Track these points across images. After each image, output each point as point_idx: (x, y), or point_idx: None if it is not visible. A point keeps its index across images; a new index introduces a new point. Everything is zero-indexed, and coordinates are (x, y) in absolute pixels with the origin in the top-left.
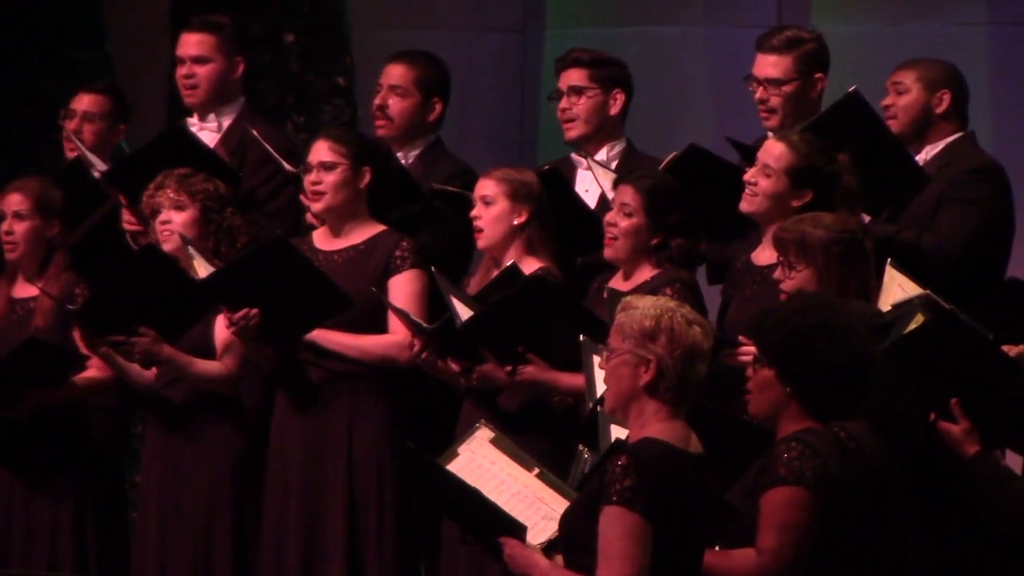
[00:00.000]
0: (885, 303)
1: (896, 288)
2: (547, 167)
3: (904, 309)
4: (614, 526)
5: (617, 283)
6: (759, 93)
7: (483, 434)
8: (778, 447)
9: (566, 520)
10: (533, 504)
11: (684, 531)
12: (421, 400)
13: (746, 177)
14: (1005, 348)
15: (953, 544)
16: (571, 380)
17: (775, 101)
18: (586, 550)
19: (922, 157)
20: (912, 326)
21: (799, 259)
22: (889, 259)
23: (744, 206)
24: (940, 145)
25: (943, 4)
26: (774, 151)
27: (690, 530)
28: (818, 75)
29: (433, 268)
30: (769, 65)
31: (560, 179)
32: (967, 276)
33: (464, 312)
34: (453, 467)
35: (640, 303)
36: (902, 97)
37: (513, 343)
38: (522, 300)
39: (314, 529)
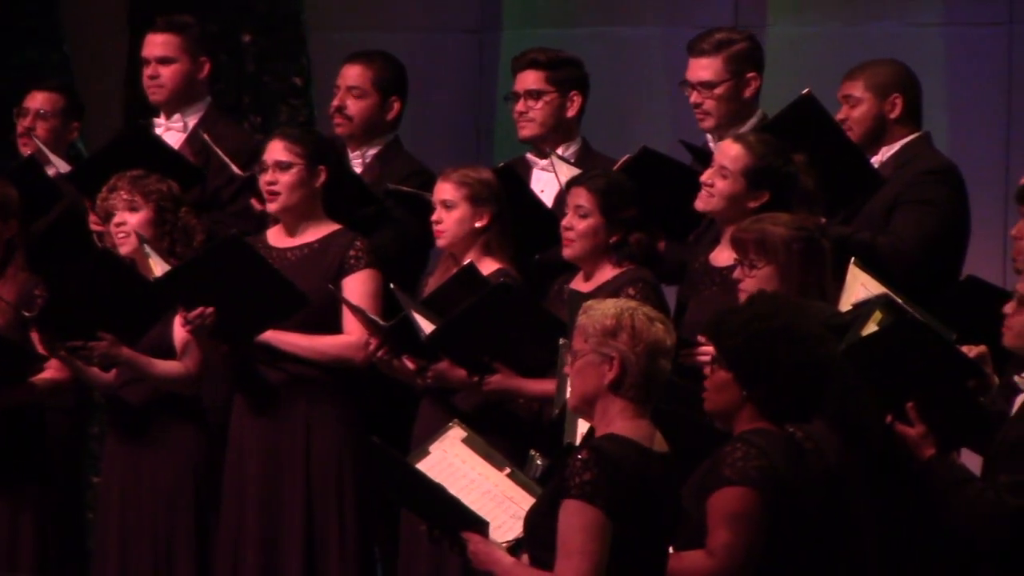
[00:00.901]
0: (847, 302)
1: (859, 287)
2: (501, 164)
3: (862, 309)
4: (573, 520)
5: (578, 284)
6: (693, 97)
7: (455, 433)
8: (723, 448)
9: (529, 518)
10: (503, 503)
11: (647, 529)
12: (378, 401)
13: (703, 178)
14: (964, 348)
15: (913, 546)
16: (538, 386)
17: (709, 104)
18: (549, 547)
19: (878, 159)
20: (870, 326)
21: (759, 257)
22: (853, 258)
23: (700, 204)
24: (896, 146)
25: (899, 5)
26: (731, 152)
27: (653, 528)
28: (751, 74)
29: (392, 286)
30: (701, 68)
31: (515, 176)
32: (922, 277)
33: (427, 326)
34: (423, 465)
35: (600, 305)
36: (855, 109)
37: (478, 352)
38: (484, 308)
39: (272, 531)
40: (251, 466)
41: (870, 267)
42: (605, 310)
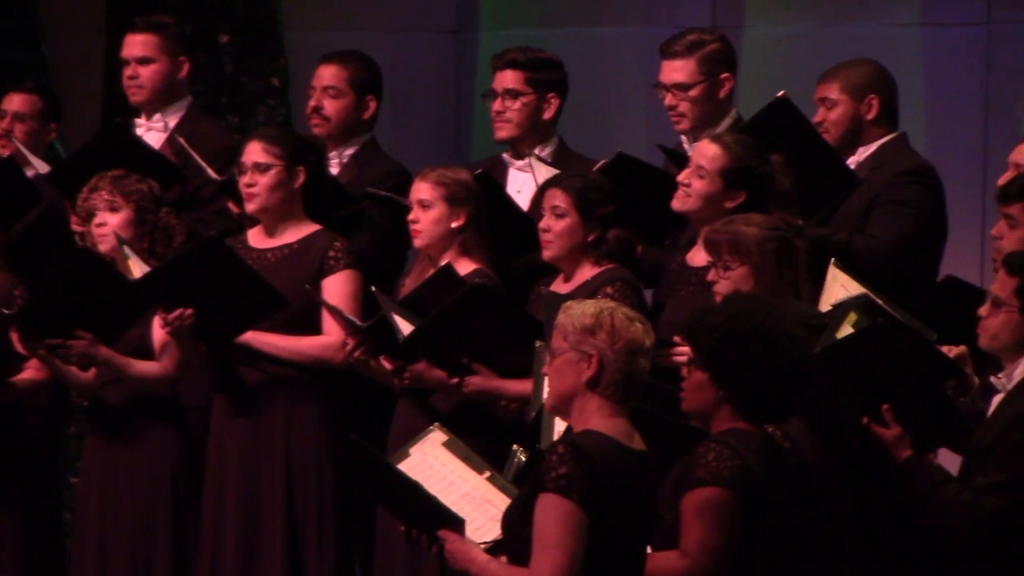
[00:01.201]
0: (827, 302)
1: (839, 288)
2: (479, 171)
3: (839, 311)
4: (548, 514)
5: (558, 286)
6: (668, 99)
7: (436, 436)
8: (698, 449)
9: (507, 515)
10: (482, 505)
11: (624, 525)
12: (357, 401)
13: (680, 178)
14: (944, 349)
15: (891, 546)
16: (518, 387)
17: (684, 106)
18: (526, 543)
19: (855, 159)
20: (845, 328)
21: (733, 257)
22: (833, 259)
23: (676, 205)
24: (873, 147)
25: (877, 5)
26: (708, 152)
27: (630, 525)
28: (724, 75)
29: (373, 288)
30: (674, 70)
31: (493, 183)
32: (899, 278)
33: (406, 328)
34: (403, 467)
35: (580, 304)
36: (832, 112)
37: (457, 354)
38: (462, 309)
39: (252, 531)
40: (231, 466)
41: (850, 268)
42: (584, 309)
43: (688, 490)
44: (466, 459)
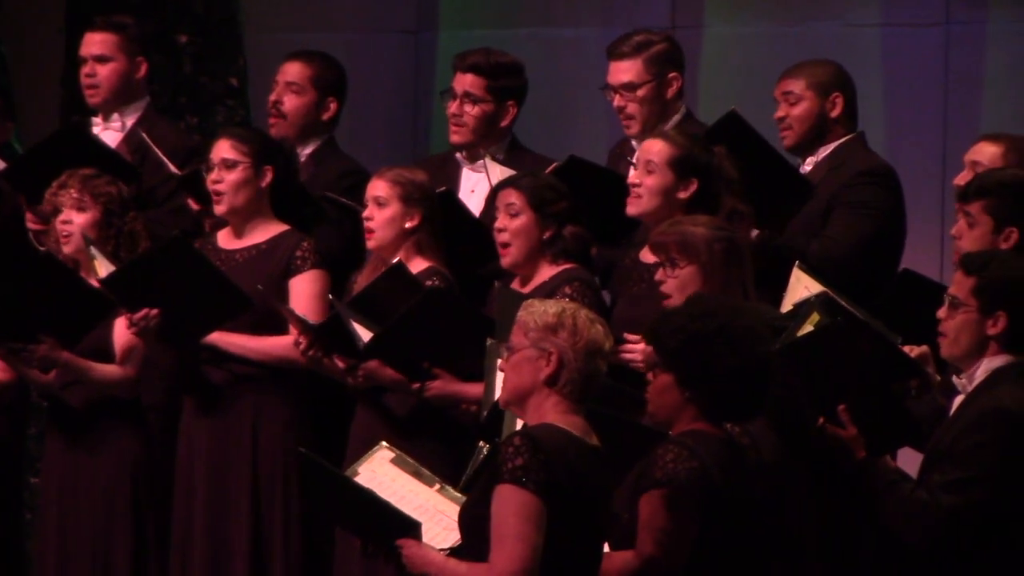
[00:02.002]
0: (789, 304)
1: (802, 289)
2: (442, 189)
3: (801, 310)
4: (506, 505)
5: (516, 288)
6: (616, 100)
7: (383, 454)
8: (656, 450)
9: (464, 512)
10: (435, 516)
11: (581, 518)
12: (324, 399)
13: (630, 180)
14: (906, 349)
15: (853, 544)
16: (478, 390)
17: (632, 107)
18: (484, 537)
19: (813, 159)
20: (806, 327)
21: (681, 256)
22: (797, 261)
23: (631, 209)
24: (831, 147)
25: (837, 5)
26: (653, 148)
27: (587, 518)
28: (672, 74)
29: (331, 296)
30: (621, 71)
31: (454, 200)
32: (858, 280)
33: (365, 335)
34: None
35: (542, 303)
36: (795, 107)
37: (418, 359)
38: (421, 314)
39: (219, 531)
40: (199, 466)
41: (813, 270)
42: (547, 307)
43: (645, 491)
44: (416, 474)
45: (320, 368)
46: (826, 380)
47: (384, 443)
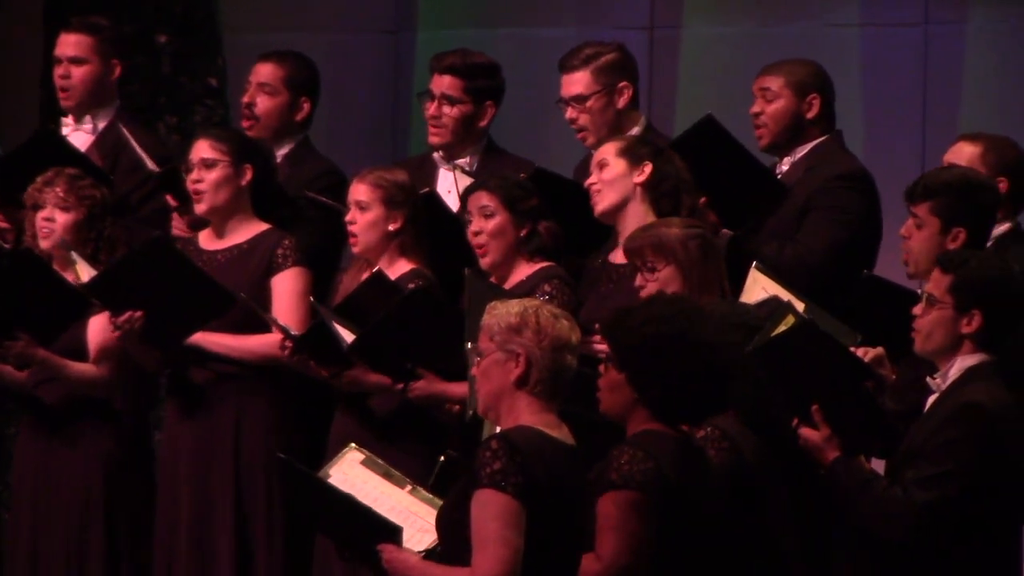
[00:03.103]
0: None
1: (759, 290)
2: (425, 190)
3: (776, 310)
4: (486, 509)
5: None
6: (568, 113)
7: (353, 456)
8: (612, 452)
9: (441, 516)
10: (408, 518)
11: (559, 518)
12: (308, 398)
13: (587, 183)
14: (861, 351)
15: (830, 543)
16: (461, 389)
17: (584, 119)
18: (464, 541)
19: (790, 159)
20: (781, 327)
21: (657, 258)
22: (755, 262)
23: (598, 209)
24: (807, 147)
25: (816, 5)
26: (603, 148)
27: (565, 518)
28: (622, 84)
29: (311, 299)
30: (571, 83)
31: (437, 202)
32: (833, 284)
33: (348, 336)
34: None
35: (504, 304)
36: (771, 104)
37: (401, 359)
38: (404, 314)
39: (204, 529)
40: (183, 465)
41: (772, 271)
42: (509, 308)
43: (601, 493)
44: (386, 476)
45: (305, 371)
46: (800, 380)
47: (353, 444)
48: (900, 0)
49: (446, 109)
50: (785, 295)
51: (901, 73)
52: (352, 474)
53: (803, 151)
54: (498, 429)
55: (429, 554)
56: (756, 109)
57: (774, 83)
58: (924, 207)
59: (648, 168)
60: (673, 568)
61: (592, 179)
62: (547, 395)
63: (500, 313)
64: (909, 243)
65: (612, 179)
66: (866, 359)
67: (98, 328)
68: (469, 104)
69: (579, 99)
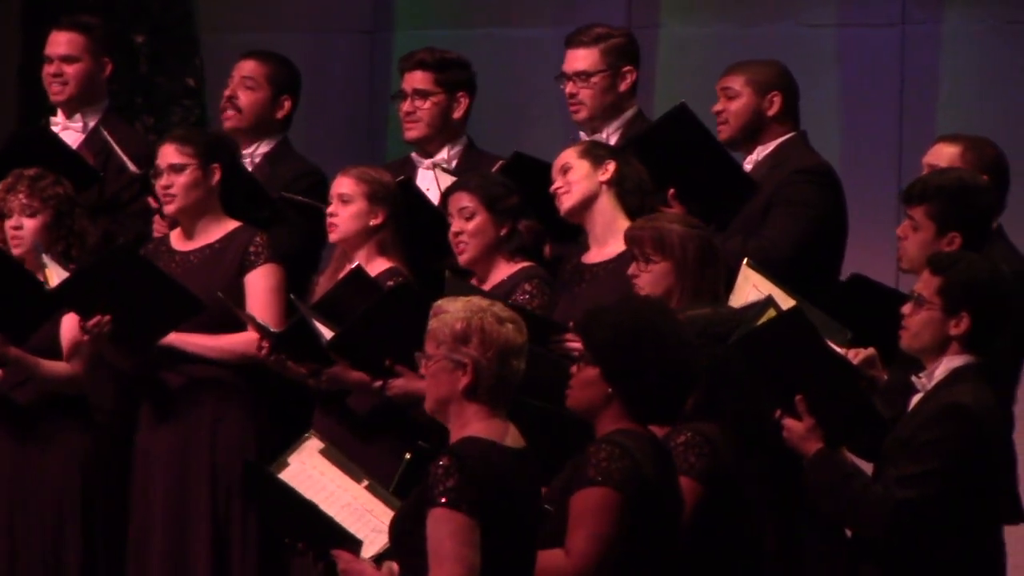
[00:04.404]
0: (736, 303)
1: (750, 288)
2: (401, 178)
3: (752, 311)
4: (441, 528)
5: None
6: (568, 87)
7: (313, 444)
8: (589, 449)
9: (394, 527)
10: (363, 517)
11: (513, 527)
12: (286, 402)
13: (552, 189)
14: (852, 352)
15: (804, 544)
16: None
17: (584, 94)
18: (417, 553)
19: (753, 158)
20: (763, 320)
21: (656, 252)
22: (746, 259)
23: (564, 209)
24: (771, 146)
25: (793, 5)
26: (562, 154)
27: (519, 525)
28: (627, 68)
29: (291, 296)
30: (577, 59)
31: (414, 189)
32: (798, 278)
33: (327, 333)
34: (283, 477)
35: (451, 307)
36: (733, 102)
37: (380, 356)
38: (383, 311)
39: (179, 532)
40: (157, 470)
41: (762, 268)
42: (455, 313)
43: (578, 489)
44: (343, 467)
45: (284, 371)
46: (783, 371)
47: (313, 432)
48: (877, 1)
49: (419, 104)
50: (778, 293)
51: (878, 73)
52: (310, 463)
53: (767, 150)
54: None
55: (380, 558)
56: (718, 107)
57: (735, 82)
58: (920, 210)
59: (612, 166)
60: (644, 565)
61: (557, 183)
62: (495, 401)
63: (446, 320)
64: (905, 244)
65: (578, 179)
66: (857, 360)
67: (71, 325)
68: (442, 95)
69: (583, 75)
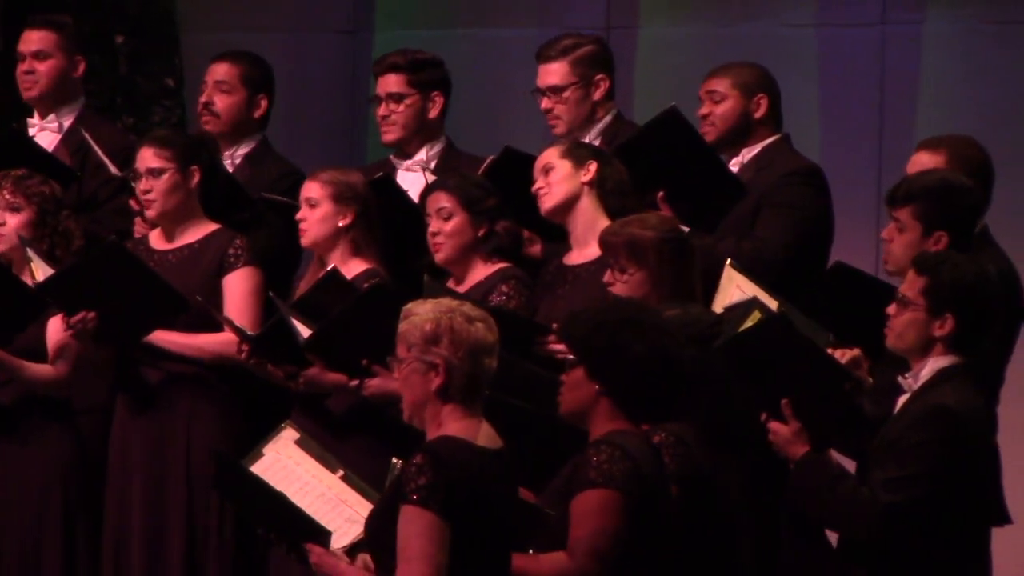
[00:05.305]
0: (721, 304)
1: (734, 289)
2: (378, 175)
3: (735, 312)
4: (410, 525)
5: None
6: (544, 103)
7: (288, 435)
8: (588, 450)
9: (370, 522)
10: (337, 507)
11: (486, 528)
12: (262, 401)
13: (534, 189)
14: (838, 353)
15: (787, 547)
16: None
17: (559, 108)
18: (391, 551)
19: (739, 160)
20: (747, 323)
21: (630, 262)
22: (729, 260)
23: (545, 209)
24: (756, 148)
25: (772, 6)
26: (544, 154)
27: (492, 526)
28: (599, 76)
29: (271, 294)
30: (549, 74)
31: (392, 186)
32: (787, 279)
33: (306, 332)
34: (258, 467)
35: (420, 308)
36: (719, 106)
37: (356, 356)
38: (360, 312)
39: (156, 528)
40: (133, 467)
41: (746, 269)
42: (425, 315)
43: (579, 491)
44: (319, 458)
45: (262, 373)
46: (769, 375)
47: (290, 422)
48: (857, 0)
49: (394, 107)
50: (761, 293)
51: (858, 73)
52: (286, 454)
53: (752, 153)
54: None
55: (354, 548)
56: (704, 111)
57: (721, 85)
58: (905, 211)
59: (593, 166)
60: (641, 567)
61: (539, 184)
62: (468, 401)
63: (416, 322)
64: (890, 246)
65: (559, 180)
66: (843, 361)
67: (57, 327)
68: (416, 96)
69: (555, 89)
